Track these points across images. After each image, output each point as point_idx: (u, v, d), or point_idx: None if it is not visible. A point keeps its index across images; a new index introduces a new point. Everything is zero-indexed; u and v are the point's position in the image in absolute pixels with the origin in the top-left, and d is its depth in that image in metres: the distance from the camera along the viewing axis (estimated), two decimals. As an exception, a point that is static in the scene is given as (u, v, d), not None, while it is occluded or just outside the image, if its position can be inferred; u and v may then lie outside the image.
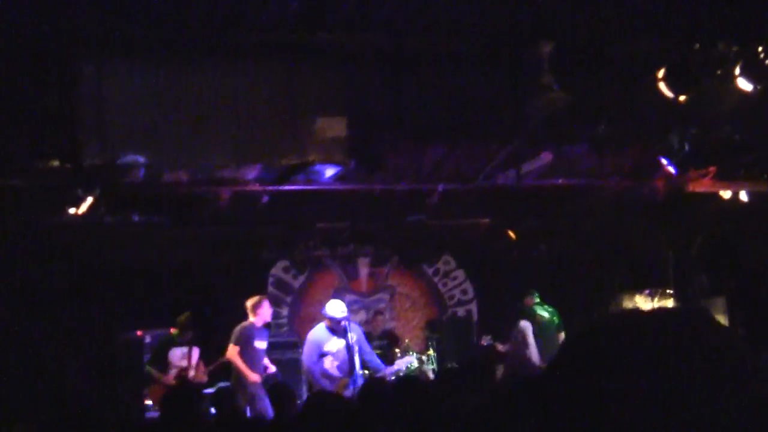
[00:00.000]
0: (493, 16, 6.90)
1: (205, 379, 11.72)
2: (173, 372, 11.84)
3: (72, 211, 10.00)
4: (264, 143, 9.91)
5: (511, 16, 6.85)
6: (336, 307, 10.91)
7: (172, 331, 12.08)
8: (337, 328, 10.77)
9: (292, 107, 9.61)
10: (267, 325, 11.42)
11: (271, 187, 10.59)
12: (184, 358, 11.86)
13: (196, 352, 11.89)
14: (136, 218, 11.71)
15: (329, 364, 10.74)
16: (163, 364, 11.90)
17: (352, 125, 8.26)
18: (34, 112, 8.44)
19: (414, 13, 6.84)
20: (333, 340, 10.77)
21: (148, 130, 7.83)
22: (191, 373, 11.73)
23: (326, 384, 10.51)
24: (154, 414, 11.21)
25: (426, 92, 8.71)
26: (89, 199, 9.64)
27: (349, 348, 10.66)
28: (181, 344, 11.91)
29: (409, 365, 11.63)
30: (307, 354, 10.90)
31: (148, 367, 12.01)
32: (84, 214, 9.94)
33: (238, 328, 11.00)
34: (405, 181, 11.19)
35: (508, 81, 8.24)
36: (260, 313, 11.16)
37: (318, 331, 10.97)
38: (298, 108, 9.43)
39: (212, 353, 11.89)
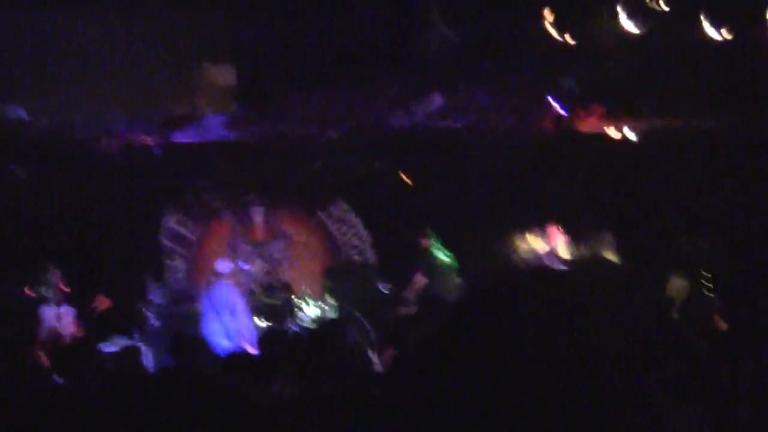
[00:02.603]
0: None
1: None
2: (45, 331, 11.23)
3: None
4: (152, 92, 9.72)
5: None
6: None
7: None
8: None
9: (179, 54, 9.42)
10: None
11: (162, 140, 10.42)
12: (57, 318, 11.34)
13: (70, 312, 11.41)
14: (14, 167, 11.29)
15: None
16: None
17: (240, 70, 8.13)
18: None
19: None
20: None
21: (33, 77, 7.58)
22: (67, 332, 11.21)
23: None
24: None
25: (314, 33, 8.65)
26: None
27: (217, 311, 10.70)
28: (51, 303, 11.41)
29: None
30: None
31: None
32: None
33: None
34: (295, 125, 11.12)
35: (398, 19, 8.24)
36: None
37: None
38: (186, 55, 9.25)
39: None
